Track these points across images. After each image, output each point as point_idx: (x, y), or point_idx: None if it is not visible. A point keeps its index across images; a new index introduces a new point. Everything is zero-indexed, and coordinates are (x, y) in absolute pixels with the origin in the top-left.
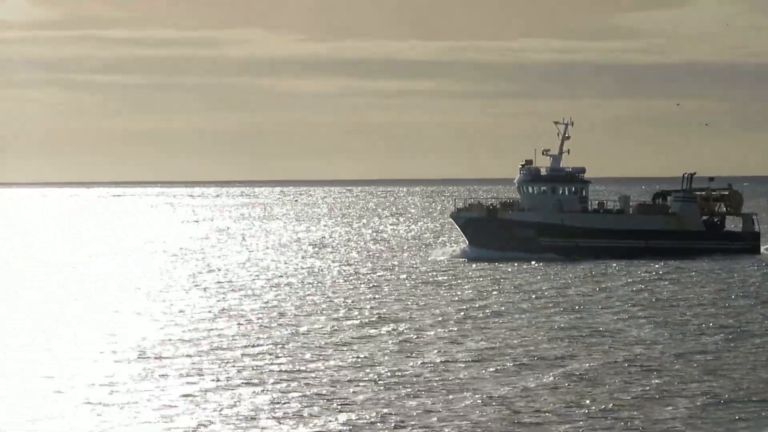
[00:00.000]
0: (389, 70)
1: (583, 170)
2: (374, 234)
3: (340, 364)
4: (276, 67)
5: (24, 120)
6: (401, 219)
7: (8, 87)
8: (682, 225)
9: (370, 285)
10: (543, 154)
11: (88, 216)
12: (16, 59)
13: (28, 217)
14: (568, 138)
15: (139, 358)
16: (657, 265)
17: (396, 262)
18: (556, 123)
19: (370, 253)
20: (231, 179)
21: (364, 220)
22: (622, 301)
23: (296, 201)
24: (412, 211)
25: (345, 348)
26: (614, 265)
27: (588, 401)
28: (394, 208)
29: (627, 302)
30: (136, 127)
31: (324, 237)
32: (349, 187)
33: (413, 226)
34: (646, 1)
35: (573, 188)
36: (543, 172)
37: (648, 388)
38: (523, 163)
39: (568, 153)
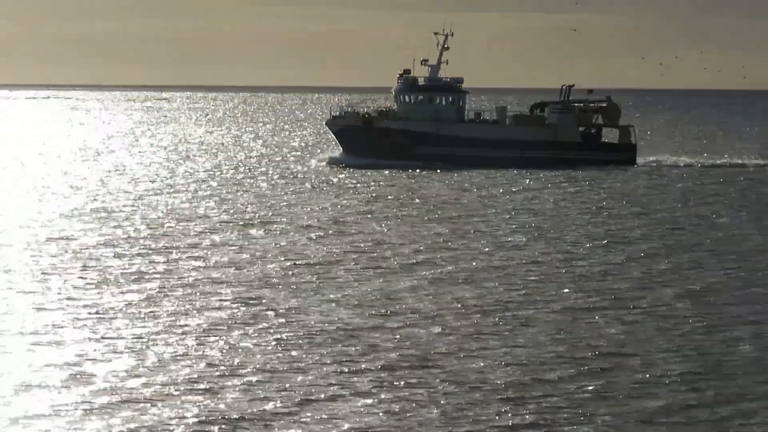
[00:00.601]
0: None
1: (461, 80)
2: (262, 141)
3: (210, 265)
4: None
5: None
6: (295, 126)
7: None
8: (559, 136)
9: (248, 191)
10: (422, 64)
11: None
12: None
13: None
14: (447, 48)
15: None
16: (532, 175)
17: (274, 170)
18: (435, 33)
19: (254, 159)
20: (141, 84)
21: (263, 126)
22: (499, 210)
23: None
24: (302, 117)
25: (213, 250)
26: (491, 174)
27: (461, 302)
28: (287, 116)
29: (504, 211)
30: (57, 31)
31: (216, 143)
32: (260, 94)
33: (302, 133)
34: None
35: (450, 98)
36: (421, 81)
37: (522, 291)
38: (401, 72)
39: (447, 63)
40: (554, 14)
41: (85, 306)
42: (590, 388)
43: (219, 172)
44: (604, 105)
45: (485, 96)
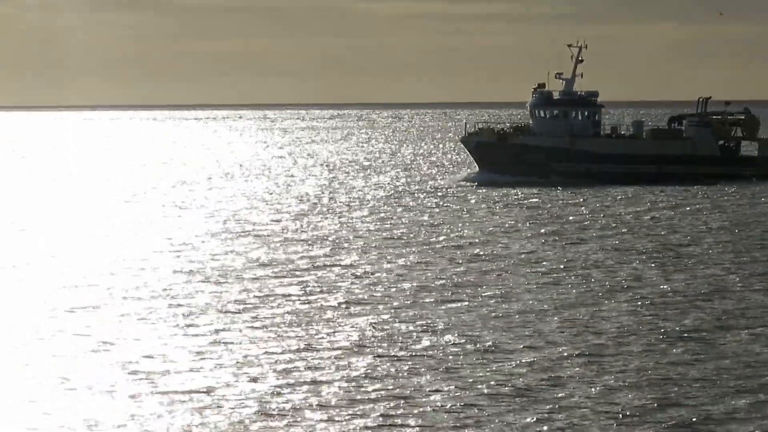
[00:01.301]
0: None
1: (596, 94)
2: (403, 158)
3: (368, 284)
4: None
5: (96, 43)
6: (432, 142)
7: (81, 10)
8: (697, 150)
9: (397, 210)
10: (556, 77)
11: (147, 140)
12: None
13: (92, 141)
14: (582, 61)
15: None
16: (670, 191)
17: (417, 187)
18: (569, 46)
19: (399, 177)
20: (306, 102)
21: (422, 143)
22: (629, 228)
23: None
24: (438, 134)
25: (370, 268)
26: (627, 190)
27: (605, 322)
28: (450, 132)
29: (636, 229)
30: (209, 50)
31: (367, 159)
32: (422, 110)
33: (439, 150)
34: None
35: (585, 112)
36: (556, 96)
37: (650, 318)
38: (536, 86)
39: (581, 77)
40: (687, 24)
41: (245, 326)
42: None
43: (370, 190)
44: (743, 117)
45: (620, 109)
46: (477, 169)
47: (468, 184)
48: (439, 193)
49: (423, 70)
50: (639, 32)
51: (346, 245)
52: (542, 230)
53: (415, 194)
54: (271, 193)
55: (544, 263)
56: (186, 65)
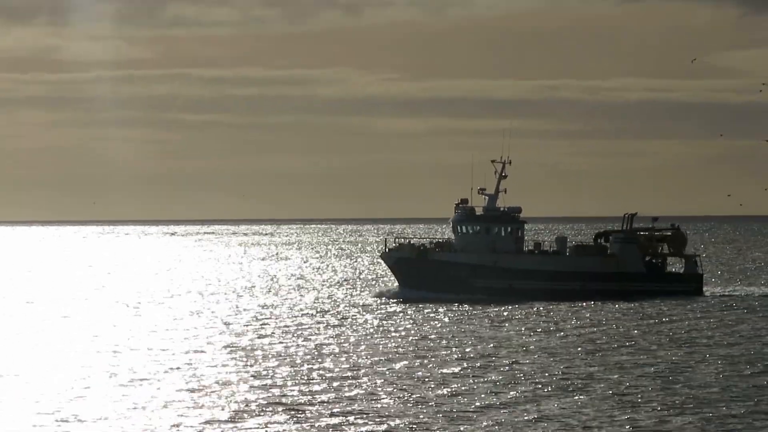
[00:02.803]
0: (482, 109)
1: (519, 210)
2: (323, 273)
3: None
4: (368, 106)
5: (116, 159)
6: (350, 258)
7: (100, 126)
8: (621, 266)
9: (316, 328)
10: (479, 193)
11: (160, 255)
12: (108, 98)
13: (113, 255)
14: (505, 177)
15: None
16: (592, 307)
17: (338, 303)
18: (493, 161)
19: (325, 292)
20: (320, 218)
21: (340, 259)
22: (549, 344)
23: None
24: (356, 249)
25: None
26: (549, 307)
27: None
28: (343, 247)
29: (557, 346)
30: (226, 167)
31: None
32: (316, 225)
33: (357, 266)
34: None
35: (508, 228)
36: (479, 211)
37: None
38: (458, 202)
39: (505, 192)
40: (617, 139)
41: None
42: None
43: (290, 306)
44: (669, 233)
45: (544, 225)
46: (397, 285)
47: (387, 300)
48: (358, 310)
49: (336, 186)
50: (568, 147)
51: (264, 363)
52: (459, 349)
53: (334, 311)
54: (194, 311)
55: (463, 378)
56: (200, 181)
